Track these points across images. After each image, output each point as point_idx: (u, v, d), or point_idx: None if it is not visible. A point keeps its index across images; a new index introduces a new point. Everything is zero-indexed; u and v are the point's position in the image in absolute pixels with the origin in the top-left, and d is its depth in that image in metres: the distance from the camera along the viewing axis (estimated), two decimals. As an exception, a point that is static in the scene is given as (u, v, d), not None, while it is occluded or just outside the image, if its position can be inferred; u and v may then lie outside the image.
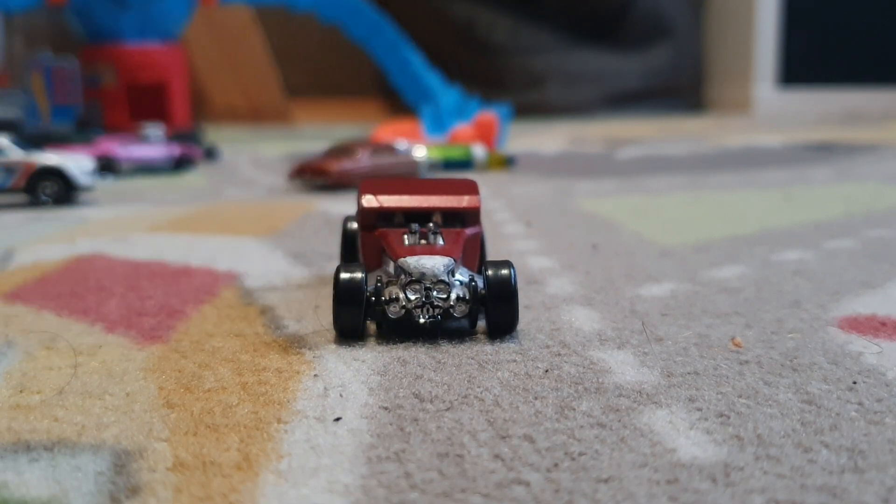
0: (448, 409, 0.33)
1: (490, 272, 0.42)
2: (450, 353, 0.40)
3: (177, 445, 0.30)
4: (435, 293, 0.41)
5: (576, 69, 2.67)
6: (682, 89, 2.87)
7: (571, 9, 2.66)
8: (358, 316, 0.41)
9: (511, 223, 0.79)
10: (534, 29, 2.66)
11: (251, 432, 0.31)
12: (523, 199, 0.96)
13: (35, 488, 0.27)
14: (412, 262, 0.41)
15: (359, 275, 0.41)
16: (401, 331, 0.42)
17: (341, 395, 0.35)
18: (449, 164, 1.21)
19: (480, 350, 0.40)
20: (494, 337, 0.42)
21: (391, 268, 0.43)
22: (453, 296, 0.41)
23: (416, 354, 0.40)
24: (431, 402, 0.34)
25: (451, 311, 0.41)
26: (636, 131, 2.06)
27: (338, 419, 0.32)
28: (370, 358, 0.39)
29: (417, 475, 0.28)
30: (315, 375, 0.37)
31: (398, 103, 2.07)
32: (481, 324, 0.43)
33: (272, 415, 0.33)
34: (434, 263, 0.41)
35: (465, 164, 1.23)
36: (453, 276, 0.41)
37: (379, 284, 0.42)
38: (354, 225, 0.52)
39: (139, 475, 0.28)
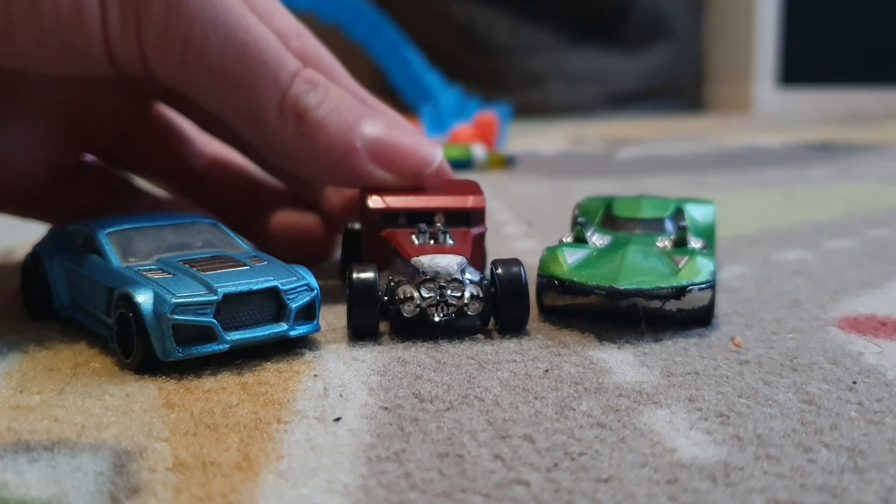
0: (448, 409, 0.33)
1: (501, 270, 0.42)
2: (450, 353, 0.40)
3: (177, 445, 0.30)
4: (449, 291, 0.41)
5: (576, 69, 2.67)
6: (682, 89, 2.87)
7: (571, 9, 2.66)
8: (372, 316, 0.41)
9: (512, 223, 0.79)
10: (534, 29, 2.66)
11: (251, 432, 0.31)
12: (523, 199, 0.96)
13: (35, 488, 0.27)
14: (426, 260, 0.42)
15: (372, 275, 0.41)
16: (412, 330, 0.42)
17: (341, 395, 0.35)
18: (449, 164, 1.21)
19: (480, 350, 0.40)
20: (506, 333, 0.42)
21: (400, 267, 0.43)
22: (467, 294, 0.41)
23: (416, 354, 0.40)
24: (431, 402, 0.34)
25: (465, 309, 0.41)
26: (636, 131, 2.06)
27: (338, 419, 0.32)
28: (370, 358, 0.39)
29: (417, 475, 0.28)
30: (315, 375, 0.37)
31: (398, 103, 2.07)
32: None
33: (272, 415, 0.33)
34: (448, 262, 0.41)
35: (465, 164, 1.23)
36: (465, 274, 0.42)
37: (391, 284, 0.42)
38: (355, 225, 0.52)
39: (139, 475, 0.28)
